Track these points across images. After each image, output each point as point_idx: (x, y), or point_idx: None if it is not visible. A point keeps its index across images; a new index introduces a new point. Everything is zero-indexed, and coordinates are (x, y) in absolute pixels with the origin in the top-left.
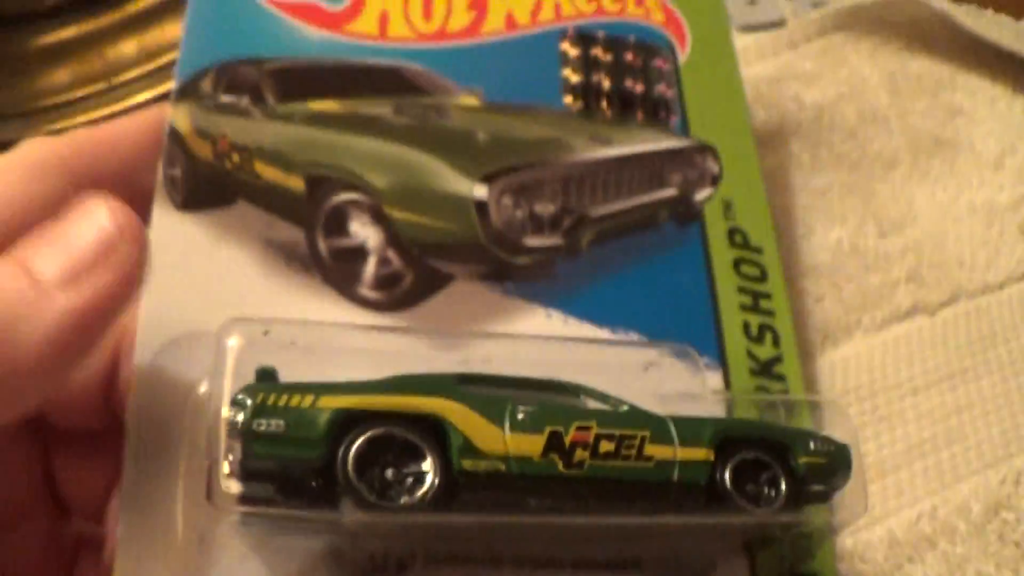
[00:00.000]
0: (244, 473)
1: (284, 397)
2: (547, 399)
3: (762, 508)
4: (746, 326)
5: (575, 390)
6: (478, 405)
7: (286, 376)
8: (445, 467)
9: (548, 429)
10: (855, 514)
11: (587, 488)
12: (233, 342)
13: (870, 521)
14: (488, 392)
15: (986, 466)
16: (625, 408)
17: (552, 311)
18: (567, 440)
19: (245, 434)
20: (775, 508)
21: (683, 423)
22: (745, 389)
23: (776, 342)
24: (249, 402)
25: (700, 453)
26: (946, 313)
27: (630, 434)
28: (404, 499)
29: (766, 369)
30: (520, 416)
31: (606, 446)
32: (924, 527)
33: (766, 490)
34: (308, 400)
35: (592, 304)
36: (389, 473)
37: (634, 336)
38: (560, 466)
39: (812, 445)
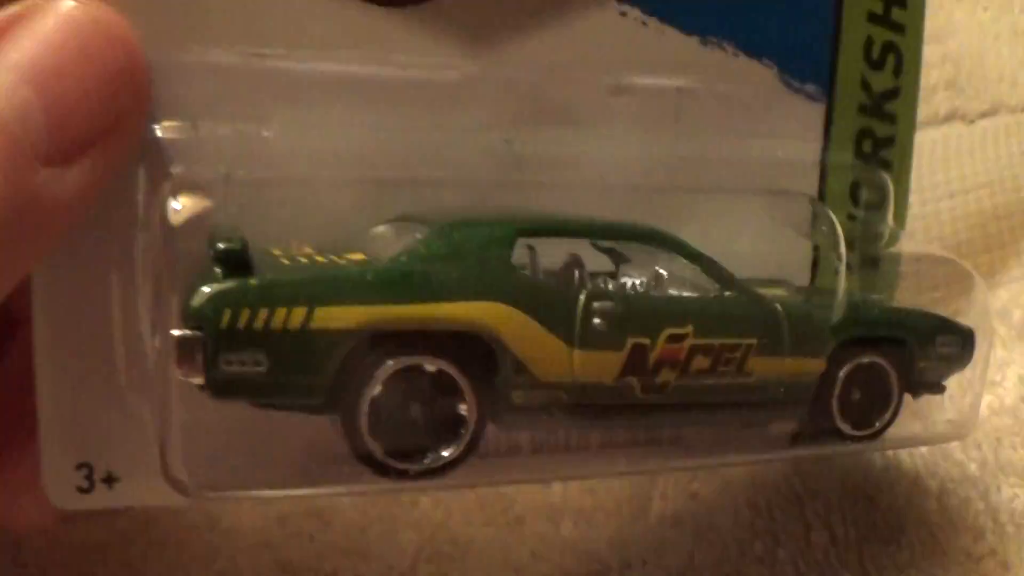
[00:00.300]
0: (212, 391)
1: (263, 313)
2: (630, 270)
3: (867, 430)
4: (868, 45)
5: (671, 243)
6: (540, 306)
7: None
8: (489, 401)
9: (631, 342)
10: (959, 432)
11: (664, 412)
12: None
13: None
14: (551, 280)
15: None
16: (730, 292)
17: (627, 7)
18: (653, 357)
19: (210, 372)
20: (881, 425)
21: (801, 323)
22: (847, 130)
23: (897, 70)
24: (212, 322)
25: (813, 364)
26: (985, 123)
27: (733, 344)
28: (429, 458)
29: (877, 106)
30: (596, 322)
31: (700, 362)
32: None
33: (874, 400)
34: (298, 316)
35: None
36: (414, 420)
37: (729, 49)
38: (638, 391)
39: (937, 343)
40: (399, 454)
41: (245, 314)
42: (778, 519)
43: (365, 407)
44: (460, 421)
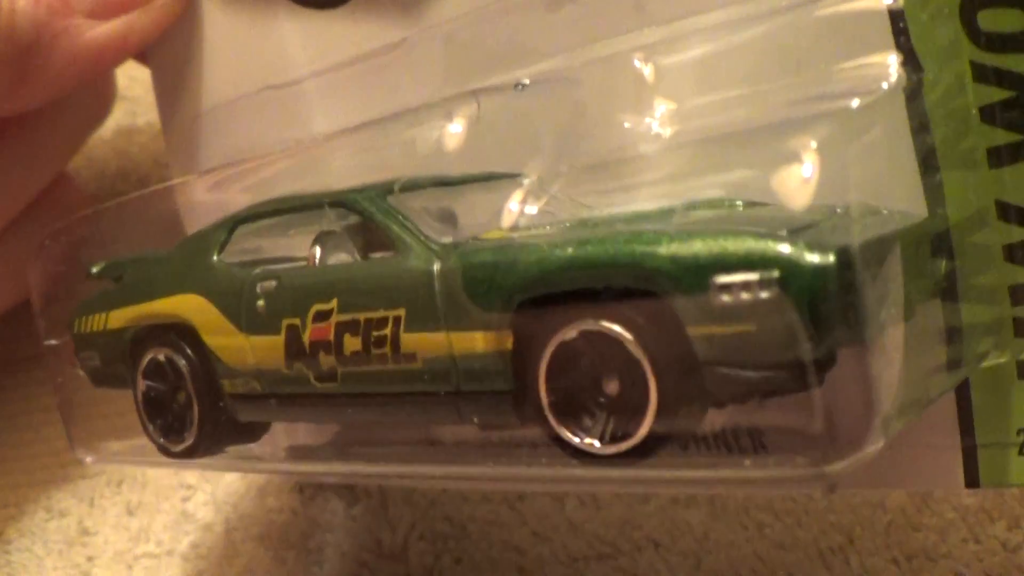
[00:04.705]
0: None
1: (87, 320)
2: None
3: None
4: None
5: (359, 209)
6: (221, 293)
7: None
8: (208, 389)
9: (285, 323)
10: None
11: (356, 406)
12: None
13: None
14: (238, 266)
15: None
16: (395, 254)
17: None
18: (306, 338)
19: (79, 366)
20: (632, 435)
21: (455, 283)
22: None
23: None
24: (71, 329)
25: (482, 340)
26: None
27: (377, 318)
28: (186, 439)
29: None
30: (259, 305)
31: (351, 343)
32: None
33: (621, 387)
34: (102, 320)
35: None
36: (173, 405)
37: None
38: (312, 379)
39: (715, 288)
40: (170, 438)
41: (82, 321)
42: (799, 499)
43: (140, 396)
44: (189, 406)
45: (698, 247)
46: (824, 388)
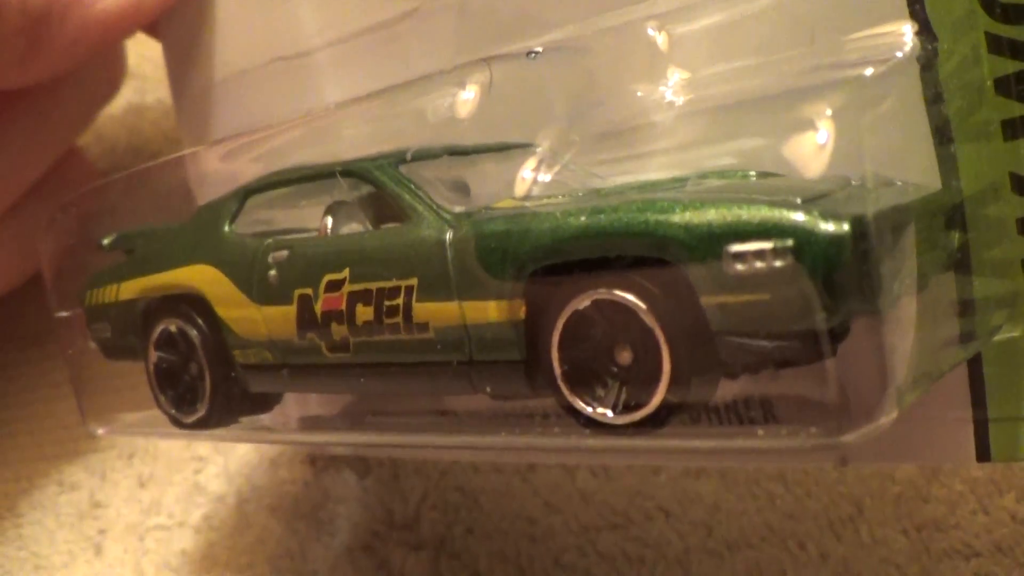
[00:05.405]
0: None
1: (99, 292)
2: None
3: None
4: None
5: (372, 179)
6: (233, 264)
7: None
8: (220, 359)
9: (297, 293)
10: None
11: (368, 376)
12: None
13: None
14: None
15: None
16: (404, 224)
17: None
18: (318, 309)
19: (91, 338)
20: (650, 405)
21: (469, 249)
22: None
23: None
24: (83, 301)
25: (495, 309)
26: None
27: (390, 287)
28: (198, 410)
29: None
30: (271, 275)
31: (363, 313)
32: None
33: (634, 357)
34: (114, 292)
35: None
36: (184, 376)
37: None
38: (324, 350)
39: (740, 256)
40: (182, 409)
41: (93, 293)
42: (809, 470)
43: (151, 367)
44: (200, 378)
45: (712, 215)
46: (837, 358)
